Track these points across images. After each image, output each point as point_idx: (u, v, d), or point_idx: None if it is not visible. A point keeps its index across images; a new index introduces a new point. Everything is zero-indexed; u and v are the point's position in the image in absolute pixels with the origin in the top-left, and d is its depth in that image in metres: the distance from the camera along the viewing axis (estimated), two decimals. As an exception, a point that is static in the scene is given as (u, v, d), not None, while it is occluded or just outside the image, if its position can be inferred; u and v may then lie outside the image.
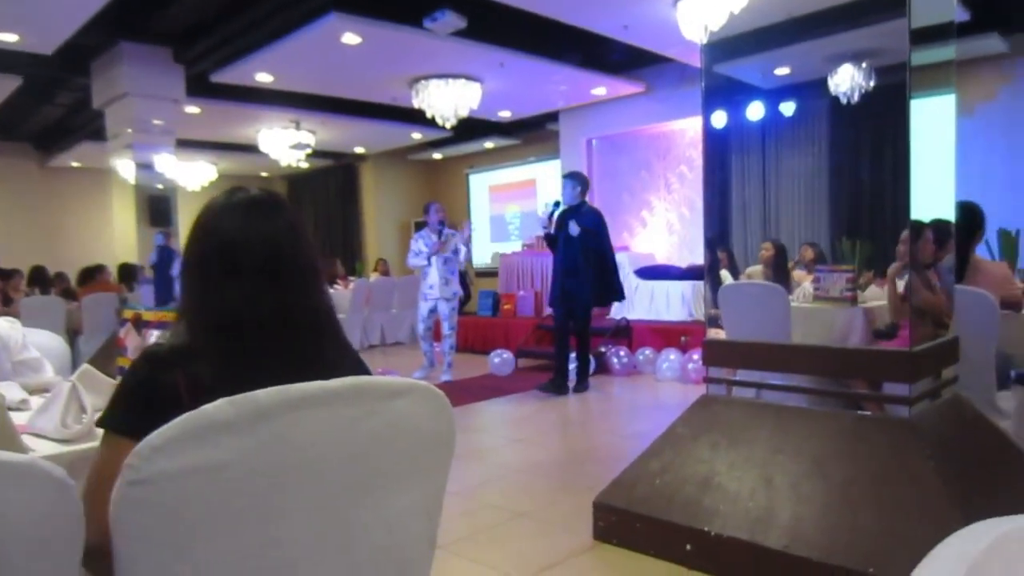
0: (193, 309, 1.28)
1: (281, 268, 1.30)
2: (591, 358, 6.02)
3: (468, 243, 6.67)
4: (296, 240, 1.31)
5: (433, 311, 6.70)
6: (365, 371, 1.39)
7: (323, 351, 1.36)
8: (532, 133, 11.12)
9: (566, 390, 5.85)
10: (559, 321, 5.78)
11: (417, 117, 8.93)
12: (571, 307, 5.70)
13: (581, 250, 5.55)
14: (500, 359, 6.95)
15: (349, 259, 12.58)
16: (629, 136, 9.32)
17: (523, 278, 9.22)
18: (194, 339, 1.24)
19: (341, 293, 9.36)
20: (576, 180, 5.69)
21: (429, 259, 6.62)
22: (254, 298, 1.32)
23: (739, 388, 3.05)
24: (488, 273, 11.97)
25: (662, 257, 9.01)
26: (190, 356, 1.24)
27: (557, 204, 5.77)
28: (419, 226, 12.79)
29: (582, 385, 5.85)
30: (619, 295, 5.74)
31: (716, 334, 3.23)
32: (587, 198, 5.78)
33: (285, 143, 9.57)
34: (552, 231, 5.68)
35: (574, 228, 5.59)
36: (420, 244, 6.70)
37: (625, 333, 7.26)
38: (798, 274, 3.29)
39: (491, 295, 9.21)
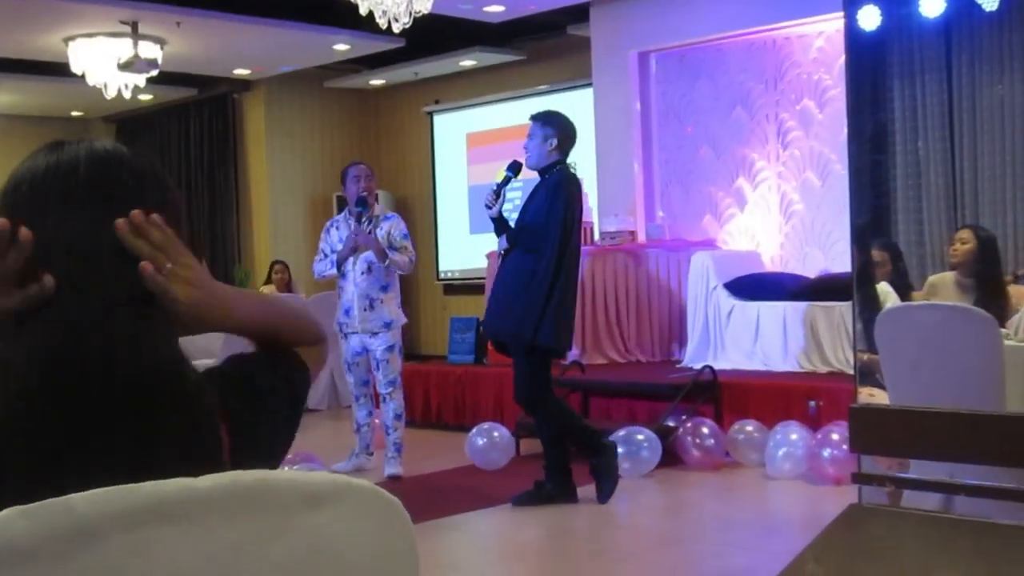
0: None
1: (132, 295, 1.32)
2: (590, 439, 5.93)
3: (405, 238, 6.80)
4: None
5: (361, 353, 6.82)
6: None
7: (189, 422, 1.36)
8: (542, 42, 11.22)
9: (572, 492, 5.87)
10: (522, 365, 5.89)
11: (344, 15, 8.95)
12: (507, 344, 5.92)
13: (559, 242, 5.73)
14: (487, 440, 7.02)
15: (221, 262, 12.69)
16: (711, 49, 9.39)
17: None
18: None
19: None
20: (549, 125, 5.85)
21: (339, 265, 6.75)
22: (74, 339, 1.31)
23: (913, 492, 3.09)
24: (465, 287, 12.04)
25: (772, 259, 9.07)
26: None
27: (513, 169, 5.93)
28: (345, 204, 12.72)
29: (555, 491, 5.87)
30: (551, 340, 5.73)
31: (871, 396, 3.26)
32: (568, 159, 5.84)
33: (112, 60, 9.60)
34: (495, 212, 5.86)
35: (496, 207, 5.79)
36: (332, 238, 6.87)
37: (708, 393, 7.28)
38: (1018, 290, 3.28)
39: (471, 326, 9.22)
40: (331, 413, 9.81)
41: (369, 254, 6.66)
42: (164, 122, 13.52)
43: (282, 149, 12.54)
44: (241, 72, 11.89)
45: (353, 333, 6.74)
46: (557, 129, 5.80)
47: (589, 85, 10.00)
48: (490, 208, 5.82)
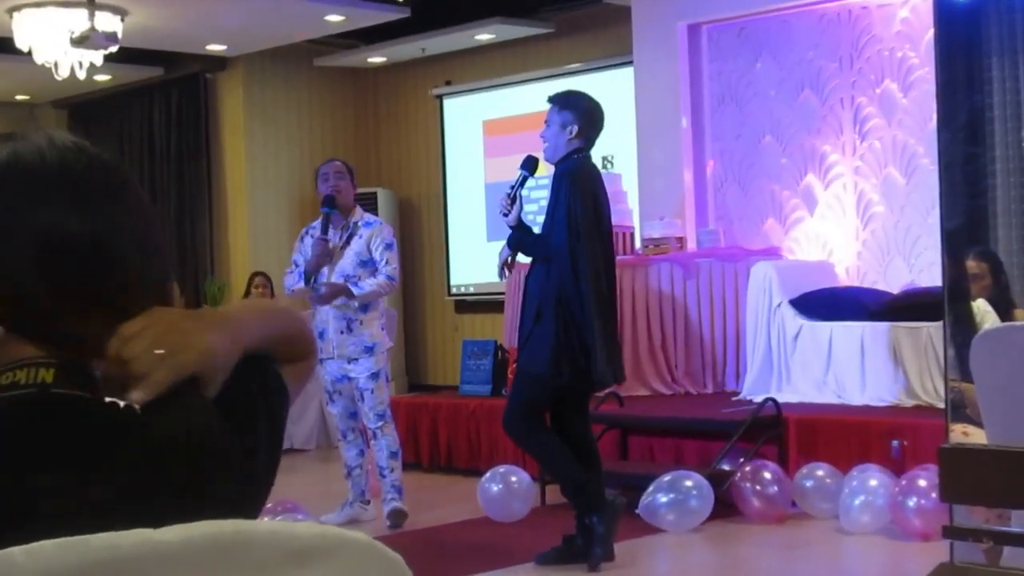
0: None
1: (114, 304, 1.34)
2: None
3: (388, 249, 6.86)
4: (133, 251, 1.35)
5: (342, 381, 6.91)
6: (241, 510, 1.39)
7: (162, 464, 1.37)
8: (573, 12, 11.24)
9: (596, 555, 5.75)
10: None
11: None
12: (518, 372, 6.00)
13: (572, 250, 5.70)
14: (504, 486, 7.01)
15: (190, 274, 12.75)
16: (775, 21, 9.40)
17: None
18: None
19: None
20: (568, 109, 5.84)
21: (307, 279, 6.85)
22: (35, 366, 1.34)
23: (1015, 549, 3.09)
24: (481, 304, 12.05)
25: (848, 270, 9.05)
26: None
27: (528, 167, 5.97)
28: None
29: (590, 555, 5.76)
30: (586, 370, 5.71)
31: (965, 435, 3.25)
32: (588, 151, 5.88)
33: (64, 34, 9.68)
34: (512, 219, 5.89)
35: (513, 214, 5.82)
36: (307, 247, 6.95)
37: (771, 431, 7.27)
38: None
39: (487, 350, 9.24)
40: (320, 454, 9.84)
41: (345, 263, 6.78)
42: (124, 107, 13.61)
43: (264, 140, 12.61)
44: (215, 48, 11.96)
45: (330, 359, 6.83)
46: (577, 113, 5.81)
47: (629, 63, 10.02)
48: (506, 216, 5.85)
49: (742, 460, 6.97)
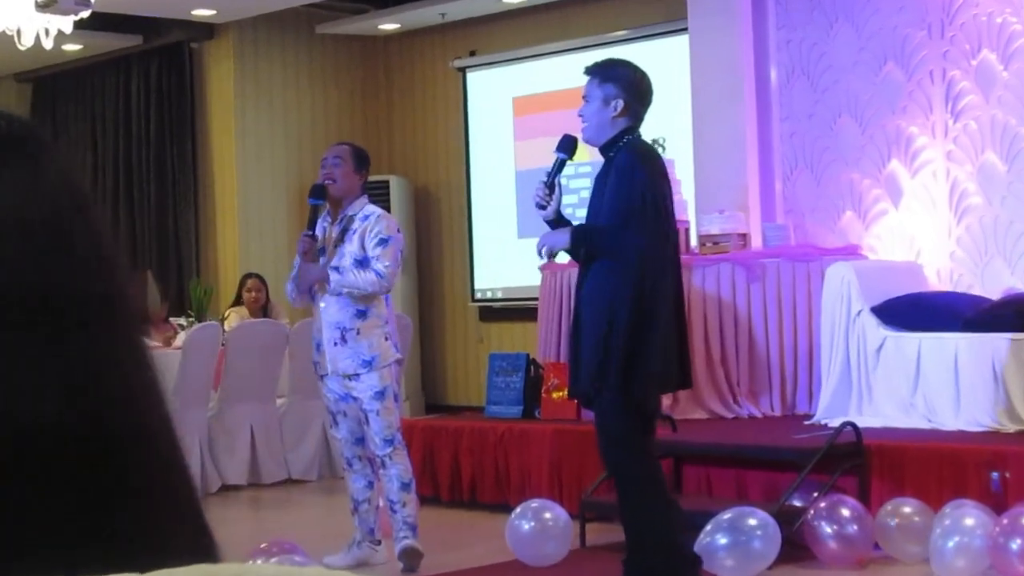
0: None
1: (44, 319, 1.31)
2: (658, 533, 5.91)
3: (382, 244, 6.85)
4: (71, 252, 1.31)
5: (345, 400, 6.91)
6: (209, 554, 1.38)
7: (129, 507, 1.38)
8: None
9: None
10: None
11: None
12: (583, 391, 5.98)
13: (643, 247, 5.65)
14: (537, 524, 6.98)
15: (173, 275, 12.80)
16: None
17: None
18: None
19: (156, 357, 9.56)
20: (611, 81, 5.78)
21: (299, 284, 6.89)
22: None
23: None
24: (510, 312, 12.04)
25: (939, 272, 9.02)
26: None
27: (566, 148, 5.94)
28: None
29: None
30: (660, 377, 5.77)
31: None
32: (638, 130, 5.84)
33: (27, -3, 9.73)
34: (550, 212, 5.86)
35: (552, 205, 5.80)
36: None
37: (850, 461, 7.26)
38: None
39: (518, 365, 9.25)
40: (323, 485, 9.86)
41: (339, 264, 6.78)
42: (97, 82, 13.68)
43: (258, 120, 12.68)
44: (202, 13, 12.02)
45: (325, 376, 6.88)
46: (621, 85, 5.75)
47: (684, 31, 10.02)
48: (544, 208, 5.81)
49: (816, 495, 6.94)
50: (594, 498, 7.45)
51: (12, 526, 1.19)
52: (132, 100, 13.41)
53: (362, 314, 6.78)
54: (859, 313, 8.26)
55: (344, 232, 6.81)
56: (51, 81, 14.05)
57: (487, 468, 8.77)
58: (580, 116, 5.85)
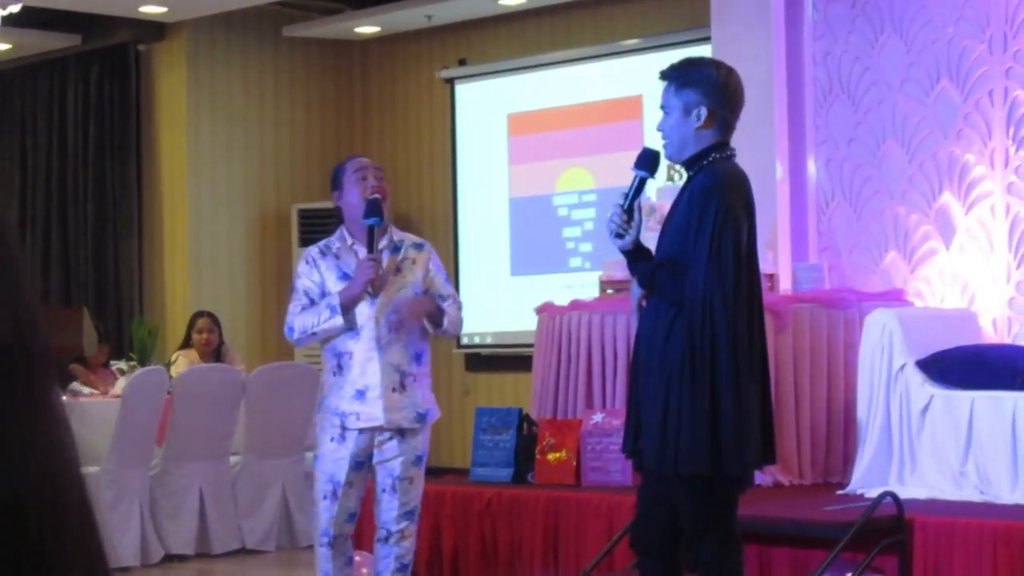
0: None
1: None
2: None
3: (448, 280, 6.84)
4: None
5: (360, 467, 6.75)
6: None
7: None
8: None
9: None
10: (647, 507, 5.86)
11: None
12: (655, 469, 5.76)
13: (704, 296, 5.51)
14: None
15: (112, 312, 12.83)
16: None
17: (606, 373, 9.36)
18: None
19: (92, 406, 9.63)
20: (691, 87, 5.63)
21: (345, 312, 6.61)
22: None
23: None
24: (501, 360, 12.06)
25: (995, 322, 9.06)
26: None
27: (646, 165, 5.79)
28: (317, 224, 13.16)
29: None
30: (746, 450, 5.63)
31: None
32: (727, 143, 5.74)
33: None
34: (628, 242, 5.69)
35: (631, 234, 5.61)
36: (313, 278, 6.77)
37: (890, 538, 7.27)
38: None
39: (509, 422, 9.29)
40: (282, 558, 9.86)
41: (399, 297, 6.58)
42: (27, 86, 13.69)
43: (213, 134, 12.72)
44: (151, 11, 12.07)
45: (364, 431, 6.62)
46: (704, 90, 5.60)
47: (706, 39, 10.08)
48: (621, 237, 5.61)
49: (850, 576, 6.97)
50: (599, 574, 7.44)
51: None
52: (68, 109, 13.45)
53: (418, 357, 6.66)
54: (903, 368, 8.27)
55: (399, 261, 6.67)
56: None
57: (472, 540, 8.77)
58: (659, 131, 5.72)
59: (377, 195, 6.58)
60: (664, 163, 6.03)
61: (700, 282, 5.42)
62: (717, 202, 5.46)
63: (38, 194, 13.64)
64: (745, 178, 5.69)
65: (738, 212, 5.50)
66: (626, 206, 5.61)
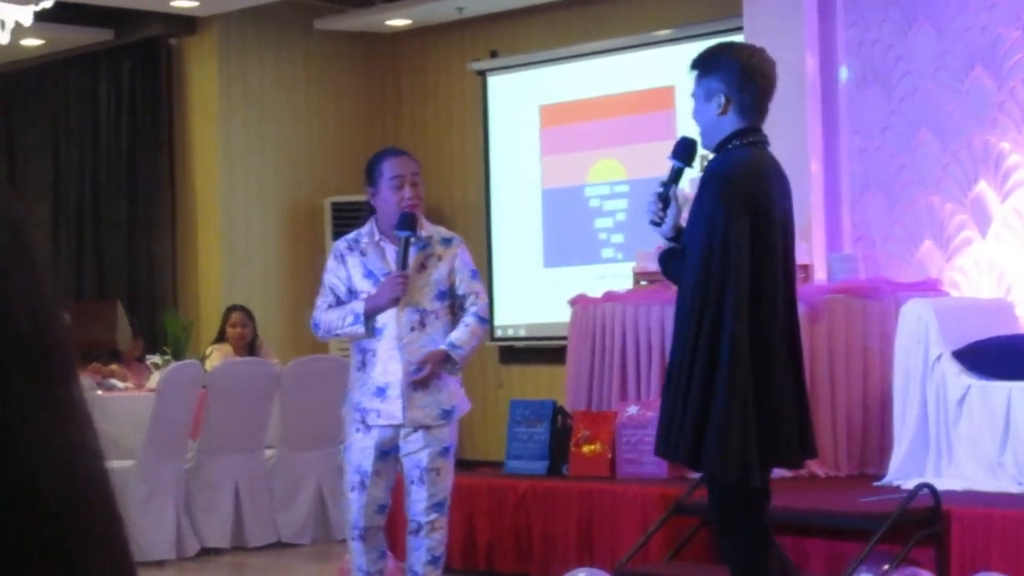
0: None
1: None
2: None
3: (475, 278, 6.84)
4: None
5: (386, 457, 6.80)
6: None
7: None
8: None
9: None
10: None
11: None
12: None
13: (695, 284, 5.53)
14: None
15: (145, 306, 12.87)
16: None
17: (640, 364, 9.38)
18: None
19: (126, 400, 9.66)
20: (711, 74, 5.63)
21: (367, 318, 6.66)
22: None
23: None
24: (535, 352, 12.05)
25: (1033, 312, 9.01)
26: None
27: (682, 155, 5.82)
28: (350, 216, 13.03)
29: None
30: (789, 446, 5.66)
31: None
32: (752, 131, 5.69)
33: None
34: (667, 229, 5.71)
35: (668, 222, 5.63)
36: (340, 275, 6.79)
37: (927, 530, 7.27)
38: None
39: (544, 414, 9.29)
40: (317, 551, 9.87)
41: (420, 297, 6.63)
42: (60, 81, 13.72)
43: (246, 126, 12.73)
44: (182, 5, 12.09)
45: (388, 426, 6.67)
46: (721, 77, 5.60)
47: (738, 30, 10.05)
48: (658, 225, 5.66)
49: (887, 567, 6.94)
50: (629, 568, 7.45)
51: None
52: (100, 104, 13.46)
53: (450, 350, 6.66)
54: (939, 358, 8.25)
55: (426, 260, 6.69)
56: (7, 81, 14.09)
57: (506, 532, 8.78)
58: (694, 119, 5.76)
59: (414, 208, 6.60)
60: (701, 152, 6.07)
61: (692, 270, 5.48)
62: (711, 189, 5.54)
63: (71, 189, 13.70)
64: (758, 164, 5.68)
65: (733, 202, 5.47)
66: (663, 195, 5.65)
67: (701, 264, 5.47)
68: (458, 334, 6.67)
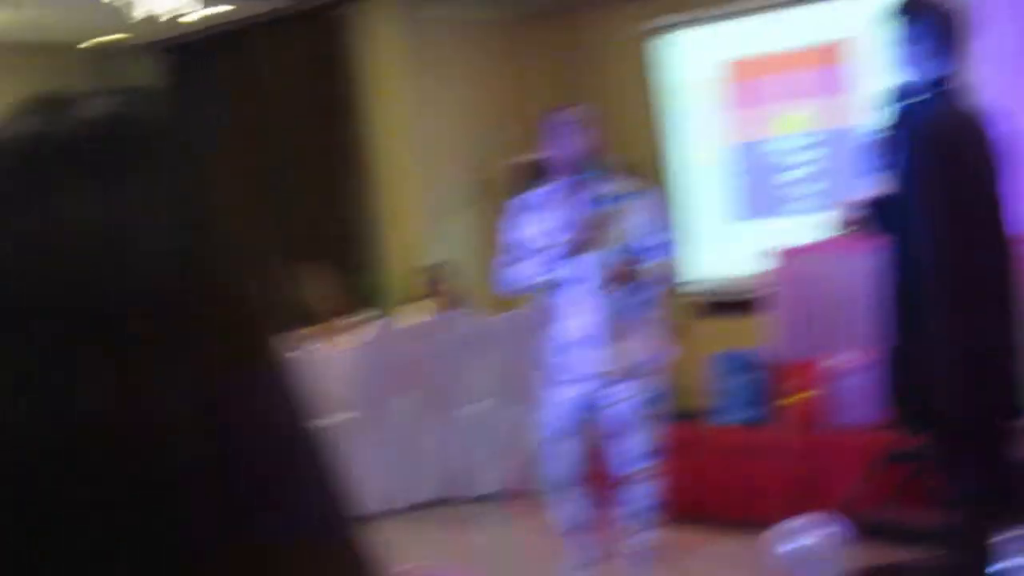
0: None
1: (170, 339, 1.32)
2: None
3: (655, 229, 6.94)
4: (206, 257, 1.31)
5: (588, 409, 6.89)
6: None
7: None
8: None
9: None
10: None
11: None
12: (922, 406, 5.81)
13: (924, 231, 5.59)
14: (809, 538, 7.07)
15: (343, 271, 12.91)
16: None
17: (849, 313, 9.33)
18: None
19: (331, 355, 9.89)
20: (913, 18, 5.62)
21: (553, 268, 6.80)
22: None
23: None
24: (731, 306, 12.04)
25: None
26: None
27: (899, 95, 5.76)
28: (531, 177, 12.72)
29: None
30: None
31: None
32: (952, 79, 5.70)
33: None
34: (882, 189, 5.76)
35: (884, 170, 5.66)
36: (520, 231, 6.95)
37: None
38: None
39: (752, 364, 9.35)
40: (531, 504, 9.98)
41: (607, 248, 6.75)
42: (237, 51, 13.88)
43: (437, 91, 12.84)
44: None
45: (587, 378, 6.75)
46: (924, 22, 5.61)
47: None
48: (890, 168, 5.75)
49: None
50: (858, 509, 7.49)
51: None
52: (281, 73, 13.62)
53: (637, 308, 6.78)
54: None
55: (611, 214, 6.84)
56: (192, 57, 14.21)
57: (714, 483, 8.90)
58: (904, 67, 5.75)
59: (578, 153, 6.81)
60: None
61: (920, 217, 5.55)
62: (921, 142, 5.59)
63: (266, 154, 13.83)
64: (951, 115, 5.68)
65: (935, 147, 5.57)
66: (889, 139, 5.71)
67: (928, 212, 5.52)
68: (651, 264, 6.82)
